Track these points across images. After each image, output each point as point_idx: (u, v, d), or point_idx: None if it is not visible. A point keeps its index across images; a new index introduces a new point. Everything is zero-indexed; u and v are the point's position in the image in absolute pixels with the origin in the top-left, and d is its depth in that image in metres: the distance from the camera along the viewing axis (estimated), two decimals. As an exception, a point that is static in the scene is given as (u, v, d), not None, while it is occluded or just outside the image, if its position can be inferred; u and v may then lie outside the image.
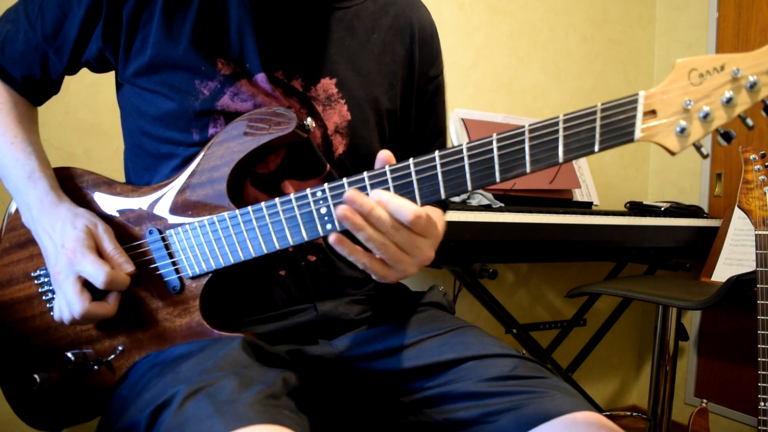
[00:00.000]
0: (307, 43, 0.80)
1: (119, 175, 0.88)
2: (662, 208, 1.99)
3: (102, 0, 0.75)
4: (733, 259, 1.83)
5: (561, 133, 0.58)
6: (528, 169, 0.59)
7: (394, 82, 0.87)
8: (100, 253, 0.74)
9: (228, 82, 0.76)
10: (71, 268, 0.72)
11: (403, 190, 0.64)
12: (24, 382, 0.80)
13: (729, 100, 0.54)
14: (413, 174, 0.63)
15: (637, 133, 0.56)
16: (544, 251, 1.72)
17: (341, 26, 0.83)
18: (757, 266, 1.30)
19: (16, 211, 0.82)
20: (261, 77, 0.77)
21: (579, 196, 2.04)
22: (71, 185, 0.81)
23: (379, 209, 0.62)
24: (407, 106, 0.91)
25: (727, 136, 0.55)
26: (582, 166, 2.08)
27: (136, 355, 0.77)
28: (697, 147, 0.57)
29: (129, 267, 0.74)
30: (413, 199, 0.63)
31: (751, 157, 1.34)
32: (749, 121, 0.55)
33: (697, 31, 2.35)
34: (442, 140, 1.00)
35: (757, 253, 1.31)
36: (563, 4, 2.31)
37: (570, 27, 2.33)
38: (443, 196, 0.63)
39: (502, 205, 1.68)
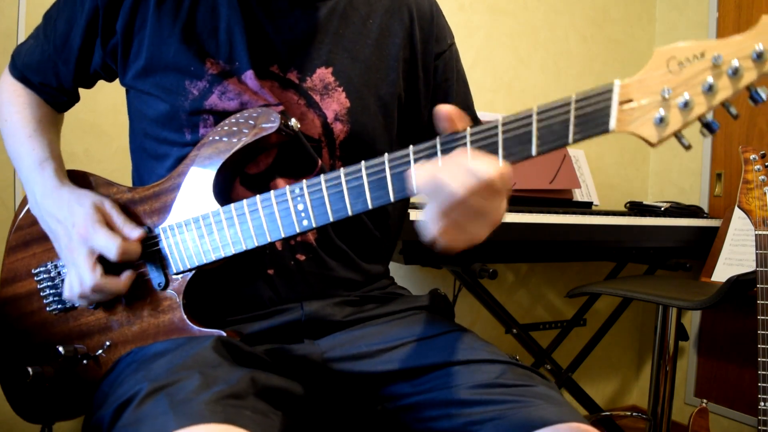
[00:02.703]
0: (299, 36, 0.81)
1: (119, 175, 0.89)
2: (662, 208, 1.99)
3: (98, 15, 0.79)
4: (733, 259, 1.83)
5: (534, 126, 0.57)
6: (500, 164, 0.58)
7: (395, 64, 0.87)
8: (110, 227, 0.76)
9: (216, 81, 0.78)
10: (85, 243, 0.75)
11: (378, 184, 0.64)
12: (19, 375, 0.82)
13: (710, 88, 0.51)
14: (387, 170, 0.63)
15: (612, 123, 0.54)
16: (544, 251, 1.72)
17: (335, 16, 0.84)
18: (757, 266, 1.30)
19: (26, 211, 0.85)
20: (249, 74, 0.78)
21: (579, 196, 2.04)
22: (77, 185, 0.84)
23: (456, 170, 0.56)
24: (413, 86, 0.90)
25: (709, 127, 0.53)
26: (582, 166, 2.09)
27: (121, 350, 0.78)
28: (679, 138, 0.54)
29: (138, 232, 0.76)
30: (387, 194, 0.64)
31: (751, 157, 1.34)
32: (733, 110, 0.52)
33: (697, 31, 2.35)
34: (470, 115, 0.95)
35: (757, 253, 1.31)
36: (563, 4, 2.31)
37: (570, 27, 2.33)
38: (416, 192, 0.62)
39: (502, 205, 1.67)
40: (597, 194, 2.10)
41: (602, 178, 2.38)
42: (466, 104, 0.97)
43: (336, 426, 0.79)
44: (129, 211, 0.80)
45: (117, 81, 0.87)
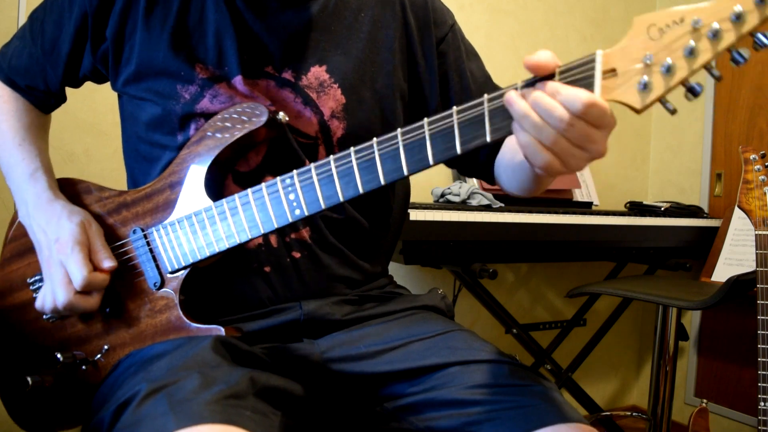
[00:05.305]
0: (292, 35, 0.81)
1: (118, 174, 0.89)
2: (662, 208, 1.99)
3: (87, 21, 0.80)
4: (733, 259, 1.83)
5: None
6: (488, 138, 0.59)
7: (390, 56, 0.87)
8: (90, 249, 0.76)
9: (207, 86, 0.78)
10: (60, 261, 0.75)
11: (368, 167, 0.65)
12: (17, 384, 0.81)
13: (691, 51, 0.51)
14: (376, 152, 0.64)
15: (597, 91, 0.54)
16: (544, 251, 1.72)
17: (326, 14, 0.84)
18: (757, 266, 1.30)
19: (18, 222, 0.85)
20: (238, 80, 0.78)
21: (579, 196, 2.04)
22: (70, 192, 0.84)
23: (547, 99, 0.56)
24: (414, 76, 0.90)
25: (692, 90, 0.53)
26: (582, 166, 2.09)
27: (120, 353, 0.78)
28: (663, 103, 0.55)
29: (110, 263, 0.77)
30: (377, 177, 0.64)
31: (751, 157, 1.34)
32: (715, 72, 0.52)
33: (697, 31, 2.35)
34: (490, 85, 0.96)
35: (757, 253, 1.31)
36: (563, 4, 2.31)
37: (570, 27, 2.33)
38: (406, 173, 0.63)
39: (502, 205, 1.68)
40: (597, 194, 2.10)
41: (602, 178, 2.38)
42: (484, 76, 0.97)
43: (335, 426, 0.78)
44: (121, 214, 0.80)
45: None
